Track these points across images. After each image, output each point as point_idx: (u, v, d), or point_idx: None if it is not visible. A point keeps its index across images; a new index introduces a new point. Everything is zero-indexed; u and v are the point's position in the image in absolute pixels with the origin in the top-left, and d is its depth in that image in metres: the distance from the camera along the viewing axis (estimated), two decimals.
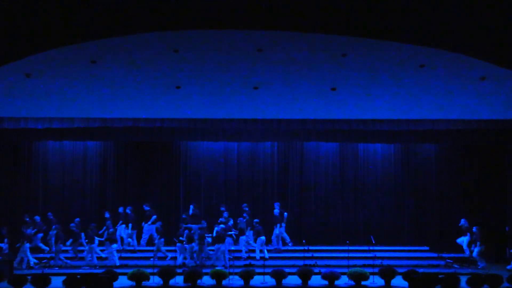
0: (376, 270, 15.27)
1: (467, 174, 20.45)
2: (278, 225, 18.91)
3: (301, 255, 17.42)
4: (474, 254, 17.80)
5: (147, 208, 19.15)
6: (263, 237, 18.04)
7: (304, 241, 17.75)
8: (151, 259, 16.80)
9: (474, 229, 18.09)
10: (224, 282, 14.74)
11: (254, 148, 20.88)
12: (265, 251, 18.11)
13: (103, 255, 17.73)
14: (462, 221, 18.88)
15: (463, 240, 18.57)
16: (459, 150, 20.61)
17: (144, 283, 14.65)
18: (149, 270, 14.86)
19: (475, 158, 20.41)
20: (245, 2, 9.65)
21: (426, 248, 19.28)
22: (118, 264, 17.01)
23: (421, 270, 15.68)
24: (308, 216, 20.63)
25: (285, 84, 14.20)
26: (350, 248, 17.06)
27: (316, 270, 15.41)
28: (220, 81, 13.91)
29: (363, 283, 14.75)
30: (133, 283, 14.56)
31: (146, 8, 9.80)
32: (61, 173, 20.42)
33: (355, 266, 16.06)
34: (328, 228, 20.55)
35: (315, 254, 17.72)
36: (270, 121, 18.32)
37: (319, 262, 17.16)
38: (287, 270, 14.96)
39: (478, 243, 17.74)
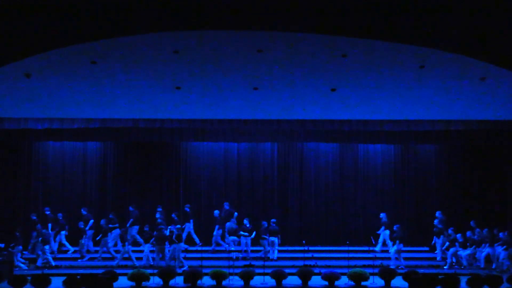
0: (376, 270, 15.27)
1: (467, 174, 20.44)
2: (217, 226, 18.83)
3: (301, 255, 17.41)
4: (392, 252, 17.73)
5: (84, 212, 18.84)
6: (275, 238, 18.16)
7: (304, 241, 17.73)
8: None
9: (395, 227, 18.05)
10: (224, 283, 14.74)
11: (254, 148, 20.87)
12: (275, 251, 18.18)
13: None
14: (382, 215, 19.05)
15: (383, 235, 18.79)
16: (459, 150, 20.60)
17: (144, 283, 14.65)
18: (149, 271, 14.86)
19: (475, 158, 20.41)
20: (245, 2, 9.66)
21: (426, 248, 19.28)
22: (53, 264, 17.12)
23: (421, 270, 15.70)
24: (308, 216, 20.62)
25: (285, 85, 14.19)
26: (350, 248, 17.05)
27: (316, 271, 15.40)
28: (220, 81, 13.90)
29: (363, 283, 14.74)
30: (133, 283, 14.56)
31: (146, 8, 9.80)
32: (61, 173, 20.40)
33: (355, 266, 16.07)
34: (328, 229, 20.55)
35: (315, 255, 17.70)
36: (270, 121, 18.31)
37: (319, 263, 17.14)
38: (287, 270, 14.97)
39: (397, 241, 17.62)
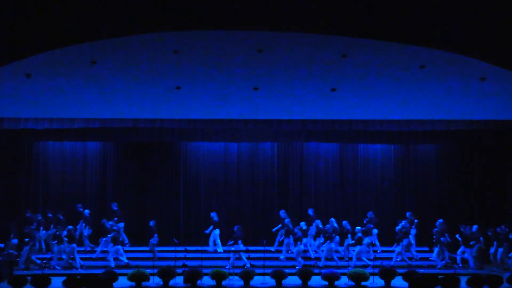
0: (376, 270, 15.27)
1: (467, 174, 20.45)
2: (87, 226, 18.66)
3: (301, 255, 17.39)
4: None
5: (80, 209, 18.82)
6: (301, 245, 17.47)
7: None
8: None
9: (235, 227, 17.57)
10: (224, 283, 14.74)
11: (254, 148, 20.87)
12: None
13: None
14: (212, 214, 18.70)
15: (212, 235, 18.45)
16: (459, 150, 20.61)
17: (144, 283, 14.65)
18: (149, 271, 14.86)
19: (475, 158, 20.41)
20: (245, 2, 9.66)
21: (426, 248, 19.26)
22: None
23: (421, 270, 15.70)
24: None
25: (285, 85, 14.19)
26: (350, 248, 17.04)
27: (316, 271, 15.41)
28: (220, 81, 13.90)
29: (363, 283, 14.75)
30: (133, 283, 14.56)
31: (146, 8, 9.81)
32: (61, 173, 20.41)
33: (355, 266, 16.07)
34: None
35: (315, 255, 17.68)
36: (270, 121, 18.31)
37: (319, 263, 17.14)
38: (287, 270, 14.97)
39: (239, 241, 17.24)
